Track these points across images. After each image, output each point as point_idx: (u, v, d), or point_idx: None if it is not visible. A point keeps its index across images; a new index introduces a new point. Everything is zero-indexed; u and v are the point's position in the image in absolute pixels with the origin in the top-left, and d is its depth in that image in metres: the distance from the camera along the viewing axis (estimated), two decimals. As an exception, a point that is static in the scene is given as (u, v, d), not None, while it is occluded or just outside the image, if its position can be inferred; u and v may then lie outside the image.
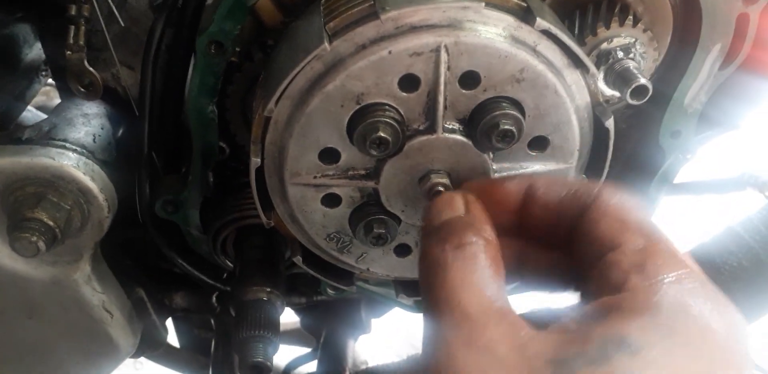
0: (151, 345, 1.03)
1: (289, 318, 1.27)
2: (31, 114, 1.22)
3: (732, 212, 1.08)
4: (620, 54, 0.85)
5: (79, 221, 0.80)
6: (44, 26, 0.98)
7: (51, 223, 0.75)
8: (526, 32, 0.72)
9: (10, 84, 1.12)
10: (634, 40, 0.86)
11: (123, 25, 0.88)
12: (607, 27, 0.86)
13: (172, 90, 0.93)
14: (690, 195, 1.13)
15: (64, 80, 1.03)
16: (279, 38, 0.83)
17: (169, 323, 1.14)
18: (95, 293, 0.85)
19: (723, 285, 1.08)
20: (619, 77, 0.84)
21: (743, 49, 0.89)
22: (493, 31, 0.71)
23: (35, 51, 1.15)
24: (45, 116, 1.28)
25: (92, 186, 0.79)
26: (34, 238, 0.74)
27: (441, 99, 0.72)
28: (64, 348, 0.89)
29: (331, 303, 1.14)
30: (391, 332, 1.23)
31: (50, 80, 1.25)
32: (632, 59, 0.85)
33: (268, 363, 0.77)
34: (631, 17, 0.85)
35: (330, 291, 1.04)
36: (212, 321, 1.10)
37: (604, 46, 0.87)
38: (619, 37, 0.86)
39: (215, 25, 0.82)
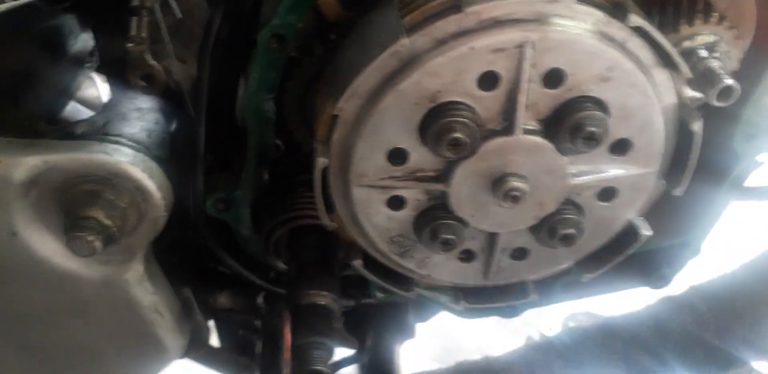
0: (194, 346, 1.00)
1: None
2: (71, 107, 1.20)
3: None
4: (704, 53, 0.81)
5: (135, 220, 0.77)
6: (97, 17, 0.94)
7: (107, 222, 0.72)
8: (615, 28, 0.68)
9: (56, 76, 1.10)
10: (718, 38, 0.82)
11: (179, 16, 0.84)
12: (690, 24, 0.81)
13: (227, 85, 0.90)
14: (759, 200, 1.08)
15: (114, 73, 1.00)
16: (345, 32, 0.79)
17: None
18: (146, 294, 0.82)
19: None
20: (703, 77, 0.79)
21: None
22: (582, 26, 0.67)
23: (81, 42, 1.12)
24: (84, 109, 1.26)
25: (149, 184, 0.76)
26: (91, 238, 0.71)
27: (522, 98, 0.68)
28: (111, 350, 0.87)
29: (376, 306, 1.11)
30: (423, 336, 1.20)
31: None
32: (716, 58, 0.81)
33: (327, 371, 0.74)
34: (716, 14, 0.81)
35: (379, 294, 1.00)
36: (257, 322, 1.07)
37: (687, 43, 0.82)
38: (703, 35, 0.82)
39: (278, 18, 0.78)
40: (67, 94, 1.10)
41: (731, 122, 0.91)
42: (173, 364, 0.93)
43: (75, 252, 0.71)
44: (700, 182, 0.98)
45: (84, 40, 1.12)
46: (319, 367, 0.74)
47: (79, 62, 1.13)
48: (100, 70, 1.16)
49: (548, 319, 1.74)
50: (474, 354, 1.42)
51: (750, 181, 0.98)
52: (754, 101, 0.88)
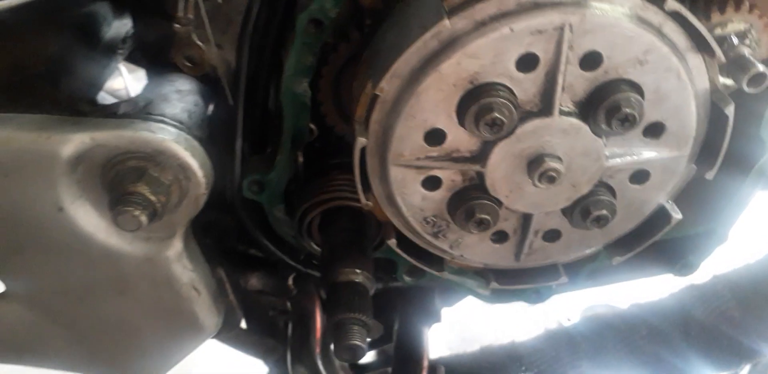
0: (226, 326, 1.03)
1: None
2: (99, 97, 1.22)
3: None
4: (735, 40, 0.82)
5: (177, 197, 0.79)
6: (136, 1, 0.97)
7: (153, 198, 0.74)
8: (652, 13, 0.69)
9: (90, 63, 1.12)
10: (749, 25, 0.83)
11: (219, 1, 0.86)
12: (722, 12, 0.82)
13: (263, 69, 0.92)
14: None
15: (152, 56, 1.03)
16: (381, 18, 0.81)
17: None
18: (185, 270, 0.85)
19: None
20: (734, 64, 0.81)
21: None
22: (620, 10, 0.68)
23: (114, 29, 1.14)
24: (111, 98, 1.29)
25: (192, 161, 0.78)
26: (137, 212, 0.73)
27: (560, 80, 0.69)
28: (149, 326, 0.89)
29: (403, 290, 1.13)
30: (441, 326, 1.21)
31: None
32: (747, 46, 0.82)
33: (364, 347, 0.76)
34: (747, 2, 0.82)
35: (406, 277, 1.02)
36: (286, 304, 1.09)
37: (718, 31, 0.83)
38: (734, 23, 0.83)
39: (316, 3, 0.80)
40: (100, 81, 1.12)
41: (759, 111, 0.92)
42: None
43: (121, 227, 0.74)
44: (727, 170, 0.99)
45: (117, 28, 1.14)
46: (357, 342, 0.76)
47: (112, 49, 1.15)
48: (131, 58, 1.18)
49: (567, 310, 1.75)
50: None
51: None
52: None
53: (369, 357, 1.24)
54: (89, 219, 0.80)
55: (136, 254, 0.83)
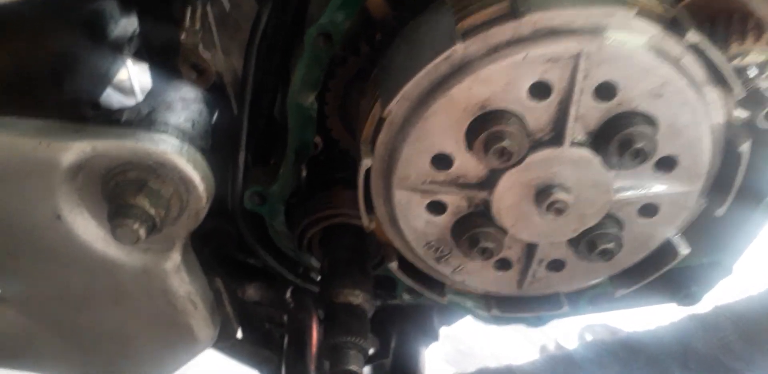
0: (222, 337, 1.02)
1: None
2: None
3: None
4: (754, 72, 0.80)
5: (177, 210, 0.78)
6: (143, 2, 0.95)
7: (152, 211, 0.73)
8: (671, 44, 0.67)
9: (97, 60, 1.11)
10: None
11: (227, 8, 0.85)
12: (742, 42, 0.80)
13: (269, 80, 0.91)
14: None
15: (158, 60, 1.01)
16: (392, 32, 0.79)
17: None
18: (182, 283, 0.83)
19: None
20: (751, 98, 0.79)
21: None
22: (638, 40, 0.66)
23: (120, 27, 1.13)
24: (114, 91, 1.27)
25: (194, 175, 0.77)
26: (136, 226, 0.72)
27: (573, 110, 0.68)
28: (144, 337, 0.88)
29: (401, 308, 1.12)
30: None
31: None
32: (766, 78, 0.80)
33: (360, 372, 0.75)
34: (769, 33, 0.80)
35: (406, 296, 1.01)
36: (282, 316, 1.08)
37: (736, 62, 0.81)
38: (753, 54, 0.81)
39: (326, 17, 0.78)
40: (107, 79, 1.11)
41: (773, 143, 0.90)
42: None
43: (119, 240, 0.73)
44: (737, 203, 0.98)
45: (124, 26, 1.13)
46: (353, 368, 0.75)
47: (118, 48, 1.14)
48: (138, 55, 1.17)
49: (564, 329, 1.73)
50: (488, 359, 1.42)
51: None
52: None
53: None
54: (87, 228, 0.79)
55: (133, 265, 0.82)
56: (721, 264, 0.97)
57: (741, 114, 0.79)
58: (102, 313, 0.85)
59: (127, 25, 1.14)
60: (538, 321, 1.00)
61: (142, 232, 0.72)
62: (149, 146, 0.76)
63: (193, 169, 0.77)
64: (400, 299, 1.01)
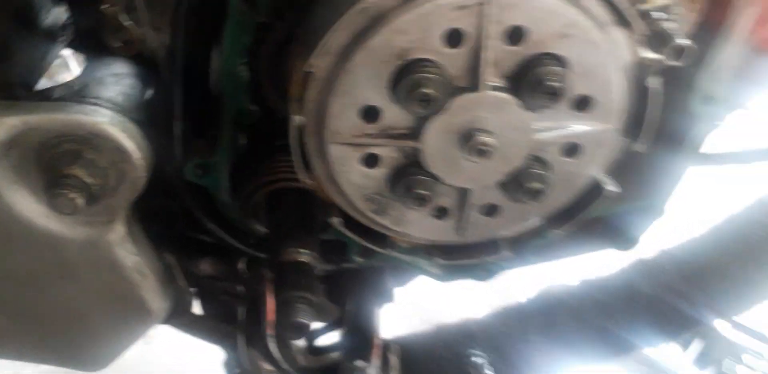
0: (176, 312, 1.03)
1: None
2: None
3: (761, 183, 1.08)
4: (659, 14, 0.84)
5: (115, 180, 0.79)
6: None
7: (89, 181, 0.74)
8: (573, -14, 0.71)
9: (29, 49, 1.10)
10: (673, 1, 0.85)
11: (153, -16, 0.86)
12: (644, -14, 0.85)
13: (200, 51, 0.92)
14: (718, 166, 1.12)
15: (88, 42, 1.01)
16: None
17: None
18: (129, 255, 0.84)
19: (752, 255, 1.09)
20: (658, 38, 0.83)
21: (779, 13, 0.88)
22: (541, -16, 0.70)
23: (53, 16, 1.13)
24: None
25: (128, 143, 0.78)
26: (73, 195, 0.73)
27: (485, 55, 0.71)
28: (96, 312, 0.88)
29: (355, 272, 1.14)
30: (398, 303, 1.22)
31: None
32: (671, 20, 0.84)
33: (309, 324, 0.77)
34: (671, -23, 0.84)
35: (357, 258, 1.03)
36: (239, 288, 1.09)
37: (642, 6, 0.85)
38: (657, -2, 0.85)
39: (248, -19, 0.80)
40: (41, 67, 1.11)
41: (688, 85, 0.95)
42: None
43: (57, 210, 0.73)
44: (660, 145, 1.03)
45: (56, 14, 1.13)
46: (302, 319, 0.77)
47: (51, 36, 1.14)
48: (73, 45, 1.17)
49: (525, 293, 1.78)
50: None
51: (711, 148, 1.03)
52: (708, 64, 0.92)
53: (330, 340, 1.25)
54: (27, 205, 0.80)
55: (77, 239, 0.82)
56: (652, 207, 1.02)
57: (651, 54, 0.83)
58: (50, 290, 0.86)
59: (60, 13, 1.14)
60: (487, 275, 1.03)
61: (80, 201, 0.73)
62: (80, 117, 0.77)
63: (126, 138, 0.78)
64: (352, 261, 1.03)
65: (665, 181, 0.99)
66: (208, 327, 1.13)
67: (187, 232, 1.05)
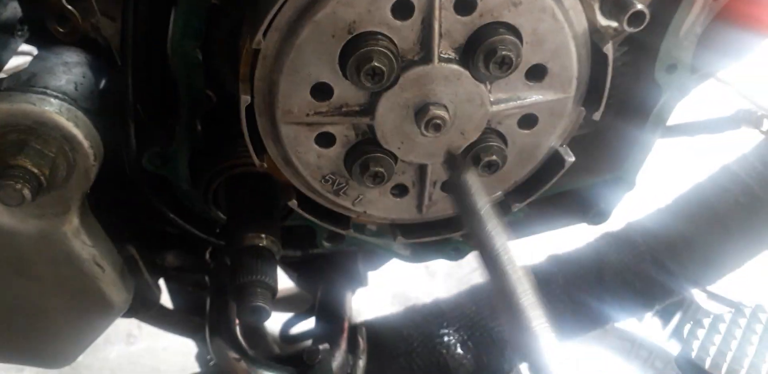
0: (143, 305, 1.01)
1: (282, 284, 1.26)
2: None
3: (728, 152, 1.08)
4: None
5: (65, 170, 0.76)
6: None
7: (35, 171, 0.72)
8: (521, -47, 0.70)
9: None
10: (628, -33, 0.84)
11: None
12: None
13: (155, 38, 0.90)
14: (685, 137, 1.12)
15: (40, 33, 0.99)
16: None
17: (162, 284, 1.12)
18: (85, 246, 0.82)
19: (719, 223, 1.08)
20: (615, 5, 0.82)
21: (738, -23, 0.88)
22: (487, -49, 0.68)
23: (9, 10, 1.10)
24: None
25: (76, 132, 0.75)
26: (19, 186, 0.70)
27: (436, 26, 0.69)
28: (55, 306, 0.86)
29: (327, 258, 1.13)
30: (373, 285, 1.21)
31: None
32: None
33: (268, 307, 0.75)
34: (624, -56, 0.83)
35: (326, 243, 1.02)
36: (207, 280, 1.08)
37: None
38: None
39: (196, -37, 0.78)
40: (-1, 62, 1.08)
41: (652, 54, 0.94)
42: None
43: (3, 202, 0.71)
44: (627, 117, 1.02)
45: (13, 8, 1.10)
46: (260, 303, 0.75)
47: (7, 30, 1.11)
48: (31, 40, 1.14)
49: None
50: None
51: (675, 119, 1.02)
52: (671, 32, 0.91)
53: (304, 327, 1.23)
54: (-25, 199, 0.77)
55: (30, 232, 0.80)
56: (622, 180, 1.01)
57: (607, 21, 0.82)
58: (7, 287, 0.84)
59: (17, 7, 1.11)
60: (457, 254, 1.02)
61: (27, 192, 0.71)
62: (26, 106, 0.74)
63: (74, 127, 0.76)
64: (320, 247, 1.01)
65: (634, 153, 0.98)
66: (178, 320, 1.11)
67: (151, 224, 1.03)
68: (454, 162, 0.74)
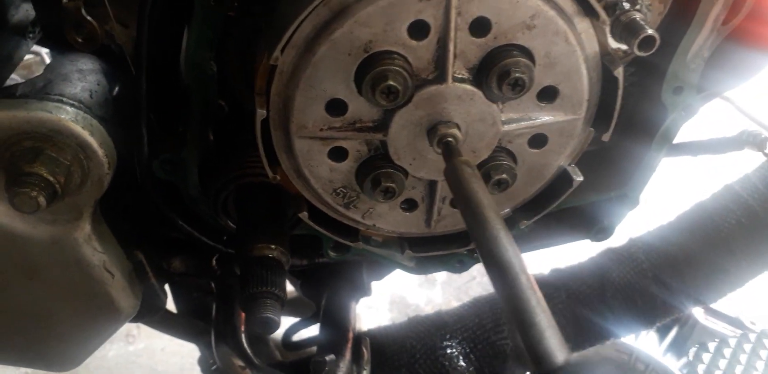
0: (150, 310, 1.01)
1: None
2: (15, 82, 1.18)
3: (731, 172, 1.09)
4: (626, 5, 0.84)
5: (79, 177, 0.77)
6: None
7: (51, 178, 0.73)
8: (536, -22, 0.71)
9: (-4, 45, 1.08)
10: (640, -9, 0.85)
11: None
12: (612, -22, 0.85)
13: (169, 46, 0.91)
14: (689, 156, 1.13)
15: (55, 38, 1.00)
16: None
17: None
18: (96, 253, 0.83)
19: (722, 243, 1.09)
20: (626, 29, 0.83)
21: (747, 2, 0.89)
22: (504, -25, 0.69)
23: (22, 12, 1.11)
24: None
25: (91, 140, 0.77)
26: (34, 193, 0.71)
27: (451, 47, 0.71)
28: (64, 310, 0.87)
29: (331, 267, 1.14)
30: (376, 295, 1.22)
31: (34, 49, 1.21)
32: (638, 11, 0.84)
33: (277, 319, 0.76)
34: (637, -32, 0.84)
35: (332, 253, 1.03)
36: (212, 285, 1.08)
37: (609, -4, 0.85)
38: (625, -11, 0.85)
39: (214, -24, 0.79)
40: (8, 65, 1.09)
41: (659, 76, 0.95)
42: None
43: (18, 208, 0.72)
44: (633, 136, 1.03)
45: (25, 10, 1.11)
46: (269, 314, 0.76)
47: (20, 32, 1.12)
48: (43, 42, 1.15)
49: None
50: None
51: (682, 138, 1.03)
52: (679, 55, 0.92)
53: (305, 335, 1.24)
54: (-11, 204, 0.78)
55: (42, 237, 0.81)
56: (627, 197, 1.02)
57: (618, 45, 0.83)
58: (17, 290, 0.84)
59: (29, 9, 1.12)
60: (461, 267, 1.03)
61: (42, 200, 0.72)
62: (42, 114, 0.75)
63: (90, 135, 0.77)
64: (327, 257, 1.02)
65: (640, 171, 0.99)
66: (182, 325, 1.12)
67: (158, 229, 1.04)
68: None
